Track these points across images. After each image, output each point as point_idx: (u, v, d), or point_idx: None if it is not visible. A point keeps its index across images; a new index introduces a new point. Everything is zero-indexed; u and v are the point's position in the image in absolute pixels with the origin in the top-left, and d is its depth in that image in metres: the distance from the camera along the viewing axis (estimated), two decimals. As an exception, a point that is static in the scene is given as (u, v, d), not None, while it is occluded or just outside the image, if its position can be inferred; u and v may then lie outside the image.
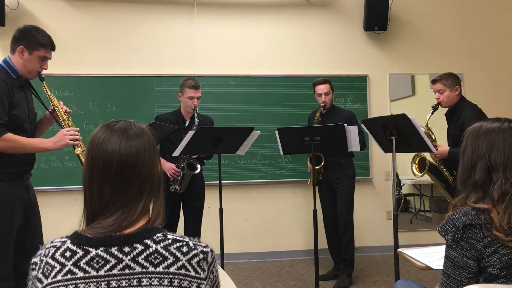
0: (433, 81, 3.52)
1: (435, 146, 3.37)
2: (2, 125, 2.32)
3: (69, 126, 2.54)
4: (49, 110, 2.63)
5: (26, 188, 2.51)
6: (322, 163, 3.81)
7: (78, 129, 2.54)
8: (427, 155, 3.58)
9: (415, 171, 3.65)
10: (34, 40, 2.43)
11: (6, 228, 2.36)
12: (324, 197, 3.98)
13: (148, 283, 1.05)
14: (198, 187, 3.72)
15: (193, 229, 3.67)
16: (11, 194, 2.39)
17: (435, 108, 3.49)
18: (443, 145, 3.45)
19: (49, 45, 2.48)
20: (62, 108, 2.57)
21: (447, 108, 3.52)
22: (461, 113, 3.35)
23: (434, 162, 3.53)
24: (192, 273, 1.08)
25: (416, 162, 3.65)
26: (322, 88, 3.89)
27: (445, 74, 3.49)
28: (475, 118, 3.08)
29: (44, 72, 2.56)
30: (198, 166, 3.59)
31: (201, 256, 1.10)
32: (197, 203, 3.74)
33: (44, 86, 2.57)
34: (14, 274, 2.38)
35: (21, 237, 2.43)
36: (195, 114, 3.56)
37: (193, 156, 3.57)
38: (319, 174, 3.78)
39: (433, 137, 3.56)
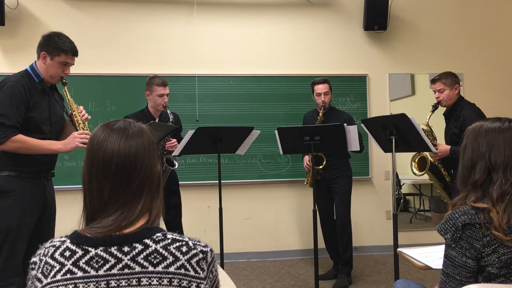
0: (433, 81, 3.53)
1: (435, 145, 3.38)
2: (13, 126, 2.39)
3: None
4: (68, 114, 2.68)
5: (43, 188, 2.55)
6: (324, 163, 3.79)
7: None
8: (427, 153, 3.58)
9: (414, 170, 3.64)
10: (55, 46, 2.51)
11: (15, 225, 2.40)
12: (321, 197, 3.96)
13: (147, 283, 1.05)
14: (173, 184, 3.74)
15: (175, 226, 3.68)
16: (25, 192, 2.45)
17: (435, 107, 3.49)
18: (443, 144, 3.45)
19: (70, 51, 2.54)
20: (80, 113, 2.63)
21: (445, 108, 3.53)
22: (460, 112, 3.36)
23: (433, 161, 3.53)
24: (192, 273, 1.08)
25: (416, 161, 3.64)
26: (321, 88, 3.88)
27: (444, 73, 3.49)
28: (475, 117, 3.10)
29: None
30: (176, 162, 3.61)
31: (201, 255, 1.10)
32: (175, 200, 3.77)
33: (65, 90, 2.64)
34: (23, 272, 2.42)
35: (34, 236, 2.48)
36: (168, 110, 3.59)
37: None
38: (318, 174, 3.77)
39: (434, 136, 3.56)
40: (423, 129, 3.44)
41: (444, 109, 3.55)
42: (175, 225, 3.70)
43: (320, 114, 3.87)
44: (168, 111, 3.58)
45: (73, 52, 2.57)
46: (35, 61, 2.57)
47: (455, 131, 3.34)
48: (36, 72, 2.53)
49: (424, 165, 3.56)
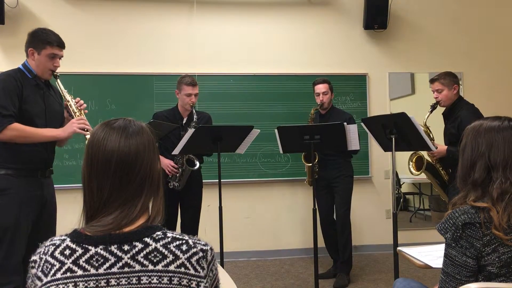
0: (431, 81, 3.53)
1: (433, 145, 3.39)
2: (9, 115, 2.40)
3: None
4: (64, 105, 2.70)
5: (40, 185, 2.55)
6: (317, 159, 3.80)
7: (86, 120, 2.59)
8: (424, 153, 3.58)
9: (412, 169, 3.65)
10: (40, 40, 2.53)
11: (12, 223, 2.41)
12: (321, 196, 3.98)
13: (147, 281, 1.05)
14: (196, 185, 3.71)
15: (191, 227, 3.66)
16: (22, 190, 2.45)
17: (434, 107, 3.50)
18: (441, 144, 3.46)
19: (55, 42, 2.55)
20: (77, 103, 2.63)
21: (444, 108, 3.54)
22: (458, 112, 3.37)
23: (431, 161, 3.54)
24: (192, 271, 1.08)
25: (413, 160, 3.65)
26: (320, 88, 3.92)
27: (443, 73, 3.50)
28: (472, 117, 3.10)
29: None
30: (197, 163, 3.60)
31: (201, 254, 1.10)
32: (195, 200, 3.74)
33: (57, 83, 2.64)
34: (22, 270, 2.42)
35: (34, 234, 2.48)
36: (194, 111, 3.57)
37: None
38: (314, 173, 3.77)
39: (431, 136, 3.57)
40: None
41: (442, 109, 3.55)
42: (191, 226, 3.66)
43: (312, 111, 3.93)
44: (194, 111, 3.56)
45: (59, 43, 2.57)
46: (26, 60, 2.58)
47: (452, 131, 3.35)
48: (28, 69, 2.55)
49: (421, 164, 3.57)
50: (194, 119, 3.54)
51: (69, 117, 2.69)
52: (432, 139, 3.53)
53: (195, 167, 3.59)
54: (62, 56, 2.63)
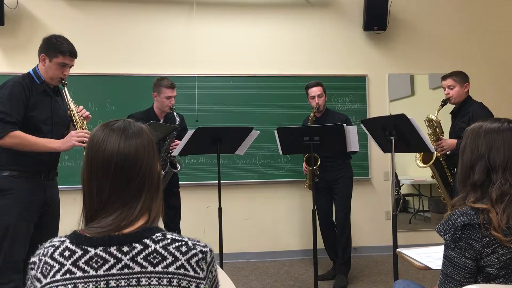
0: (444, 77, 3.57)
1: (441, 138, 3.43)
2: (12, 123, 2.44)
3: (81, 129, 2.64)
4: (67, 113, 2.72)
5: (43, 188, 2.59)
6: (318, 163, 3.80)
7: (89, 132, 2.59)
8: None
9: (418, 162, 3.62)
10: (53, 48, 2.56)
11: (14, 223, 2.45)
12: (321, 197, 3.96)
13: (147, 283, 1.05)
14: (173, 186, 3.77)
15: (174, 226, 3.72)
16: (24, 191, 2.49)
17: (444, 102, 3.53)
18: (450, 139, 3.47)
19: (67, 52, 2.58)
20: (79, 112, 2.66)
21: (452, 107, 3.55)
22: (469, 108, 3.41)
23: (438, 155, 3.52)
24: (191, 273, 1.08)
25: (421, 153, 3.62)
26: (315, 91, 3.90)
27: (455, 71, 3.57)
28: (483, 113, 3.16)
29: None
30: (178, 165, 3.65)
31: (200, 255, 1.10)
32: (175, 201, 3.80)
33: (64, 91, 2.67)
34: (22, 270, 2.45)
35: (37, 235, 2.52)
36: (174, 113, 3.62)
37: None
38: (315, 176, 3.77)
39: (442, 129, 3.56)
40: (432, 119, 3.49)
41: (450, 109, 3.57)
42: (173, 226, 3.72)
43: (312, 114, 3.89)
44: (175, 113, 3.61)
45: (71, 53, 2.60)
46: (37, 64, 2.62)
47: (462, 126, 3.36)
48: (38, 74, 2.59)
49: (428, 158, 3.55)
50: (177, 121, 3.59)
51: (72, 126, 2.71)
52: (442, 133, 3.54)
53: (177, 170, 3.64)
54: (73, 65, 2.67)
